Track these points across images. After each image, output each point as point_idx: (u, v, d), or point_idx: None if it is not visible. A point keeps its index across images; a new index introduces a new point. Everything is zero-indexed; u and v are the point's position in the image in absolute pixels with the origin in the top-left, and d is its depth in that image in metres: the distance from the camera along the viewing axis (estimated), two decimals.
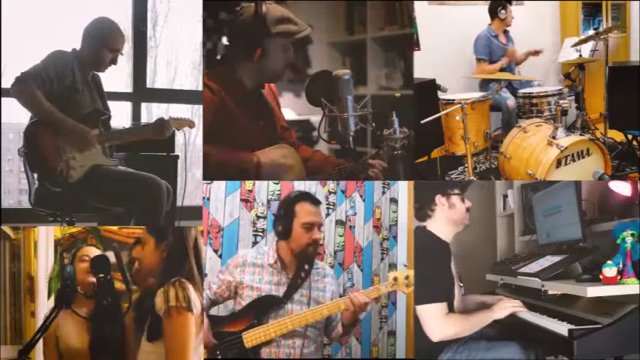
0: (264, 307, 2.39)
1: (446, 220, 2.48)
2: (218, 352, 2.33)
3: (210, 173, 2.49)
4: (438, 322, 2.29)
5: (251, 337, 2.34)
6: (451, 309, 2.38)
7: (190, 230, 2.20)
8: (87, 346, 2.34)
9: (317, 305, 2.42)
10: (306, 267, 2.45)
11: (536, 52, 4.84)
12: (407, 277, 2.39)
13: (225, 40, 2.59)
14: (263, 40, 2.44)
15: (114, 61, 3.18)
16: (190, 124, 3.33)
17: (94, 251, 2.43)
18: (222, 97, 2.43)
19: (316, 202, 2.49)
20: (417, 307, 2.33)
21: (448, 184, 2.51)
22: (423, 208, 2.52)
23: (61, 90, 2.98)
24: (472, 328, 2.32)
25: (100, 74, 3.27)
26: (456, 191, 2.48)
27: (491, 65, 4.62)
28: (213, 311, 2.53)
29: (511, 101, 4.30)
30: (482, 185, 2.57)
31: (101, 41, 3.12)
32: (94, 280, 2.23)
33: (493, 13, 4.67)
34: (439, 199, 2.47)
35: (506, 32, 4.75)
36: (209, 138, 2.44)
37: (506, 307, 2.36)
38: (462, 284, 2.56)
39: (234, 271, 2.46)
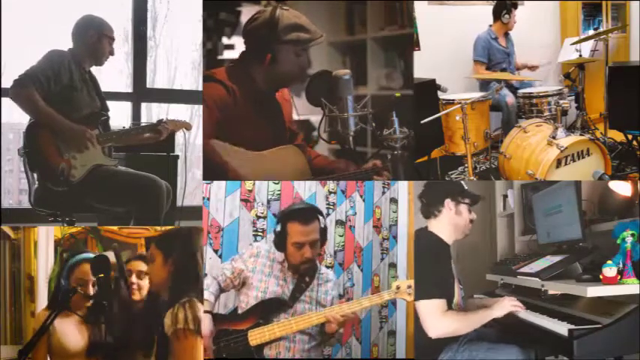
0: (270, 309, 2.43)
1: (449, 224, 2.48)
2: (221, 344, 2.35)
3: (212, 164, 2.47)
4: (437, 319, 2.29)
5: (256, 335, 2.37)
6: (450, 307, 2.38)
7: (199, 242, 2.20)
8: (82, 347, 2.33)
9: (319, 306, 2.50)
10: (312, 273, 2.52)
11: (533, 67, 4.93)
12: (409, 287, 2.43)
13: (239, 42, 2.61)
14: (273, 47, 2.44)
15: (112, 52, 3.20)
16: (187, 126, 3.34)
17: (89, 272, 2.33)
18: (235, 96, 2.44)
19: (308, 219, 2.46)
20: (417, 302, 2.34)
21: (460, 192, 2.52)
22: (429, 206, 2.52)
23: (59, 89, 2.98)
24: (471, 325, 2.32)
25: (100, 74, 3.28)
26: (467, 201, 2.50)
27: (487, 71, 4.63)
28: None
29: (510, 98, 4.30)
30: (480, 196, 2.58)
31: (100, 31, 3.14)
32: (89, 303, 2.23)
33: (496, 15, 4.66)
34: (448, 203, 2.48)
35: (506, 35, 4.75)
36: (216, 134, 2.42)
37: (505, 305, 2.36)
38: (461, 287, 2.56)
39: (248, 260, 2.51)
